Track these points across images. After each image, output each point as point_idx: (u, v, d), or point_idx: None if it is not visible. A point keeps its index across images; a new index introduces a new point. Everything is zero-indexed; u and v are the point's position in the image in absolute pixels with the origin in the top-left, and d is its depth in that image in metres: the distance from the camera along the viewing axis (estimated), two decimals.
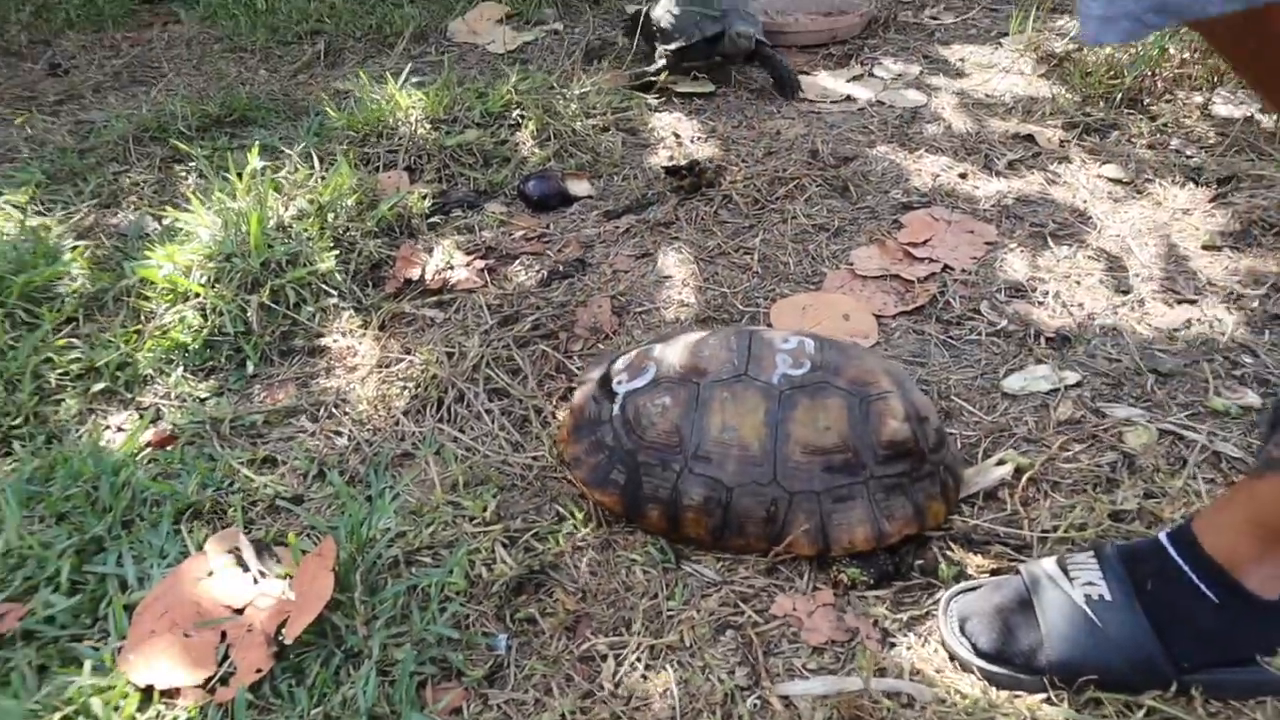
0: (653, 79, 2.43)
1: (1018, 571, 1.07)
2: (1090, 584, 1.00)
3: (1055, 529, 1.18)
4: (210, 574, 1.11)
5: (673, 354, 1.20)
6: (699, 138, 2.30)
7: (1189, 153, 2.18)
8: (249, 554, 1.14)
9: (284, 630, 1.02)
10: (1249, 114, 2.35)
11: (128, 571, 1.12)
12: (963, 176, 2.12)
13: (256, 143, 2.09)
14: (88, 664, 1.00)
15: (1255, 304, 1.66)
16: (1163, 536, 1.01)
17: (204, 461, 1.32)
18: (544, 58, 2.84)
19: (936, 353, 1.56)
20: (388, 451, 1.36)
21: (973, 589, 1.08)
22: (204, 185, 2.05)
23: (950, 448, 1.22)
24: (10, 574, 1.12)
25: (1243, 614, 0.94)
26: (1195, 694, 0.96)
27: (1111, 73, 2.46)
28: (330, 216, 1.81)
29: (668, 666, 1.05)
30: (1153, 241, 1.85)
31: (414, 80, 2.46)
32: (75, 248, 1.82)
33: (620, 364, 1.23)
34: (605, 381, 1.23)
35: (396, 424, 1.41)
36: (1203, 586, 0.95)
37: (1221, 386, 1.47)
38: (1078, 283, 1.74)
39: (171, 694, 0.97)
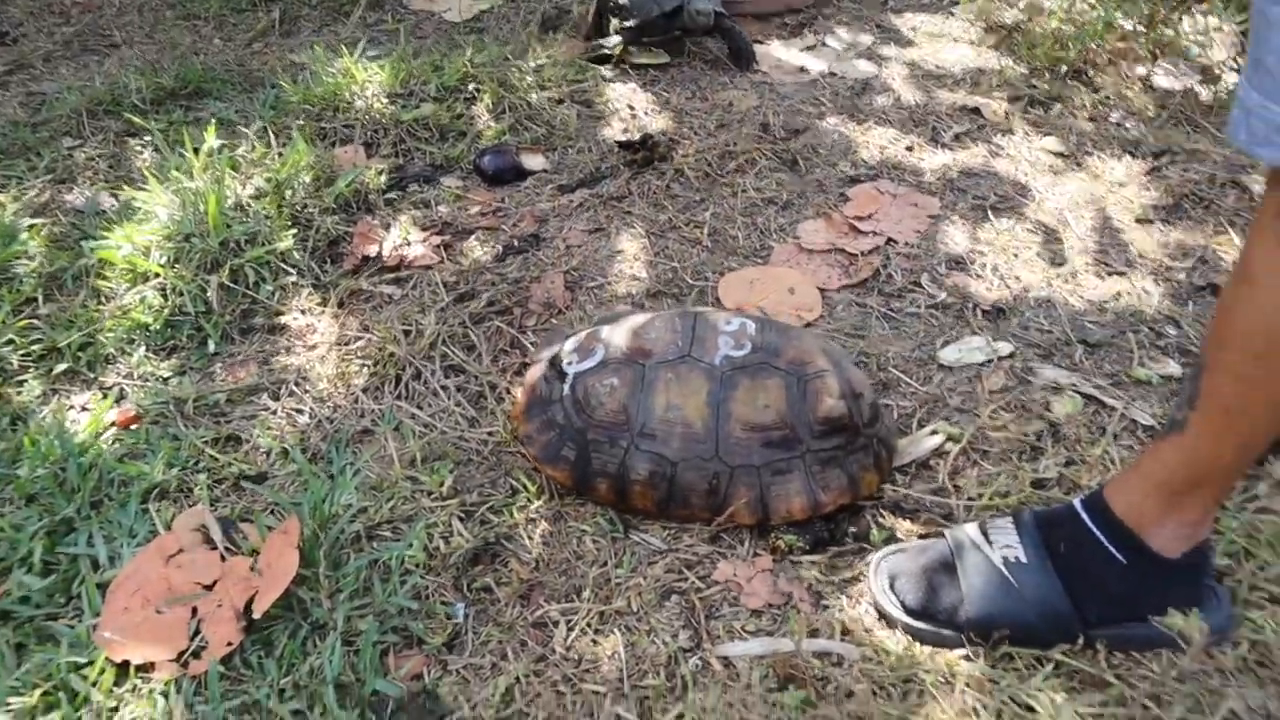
0: (608, 53, 2.46)
1: (943, 535, 1.15)
2: (1008, 547, 1.08)
3: (980, 496, 1.25)
4: (180, 551, 1.16)
5: (620, 336, 1.25)
6: (653, 110, 2.34)
7: (1128, 125, 2.26)
8: (216, 532, 1.19)
9: (253, 605, 1.07)
10: (1189, 86, 2.43)
11: (99, 551, 1.17)
12: (909, 149, 2.18)
13: (213, 120, 2.09)
14: (64, 642, 1.05)
15: (1182, 276, 1.75)
16: (1077, 503, 1.09)
17: (169, 441, 1.36)
18: (500, 27, 2.85)
19: (877, 325, 1.63)
20: (348, 428, 1.40)
21: (902, 550, 1.16)
22: (160, 161, 2.06)
23: (885, 421, 1.30)
24: None
25: (1148, 573, 1.03)
26: (1100, 648, 1.04)
27: (1058, 45, 2.52)
28: (288, 194, 1.83)
29: (616, 631, 1.12)
30: (1089, 214, 1.93)
31: (370, 53, 2.47)
32: (32, 226, 1.84)
33: (570, 345, 1.29)
34: (556, 362, 1.28)
35: (356, 401, 1.46)
36: (1112, 549, 1.03)
37: (1145, 356, 1.55)
38: (1015, 255, 1.81)
39: (146, 668, 1.03)
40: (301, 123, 2.14)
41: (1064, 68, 2.49)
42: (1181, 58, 2.51)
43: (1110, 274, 1.76)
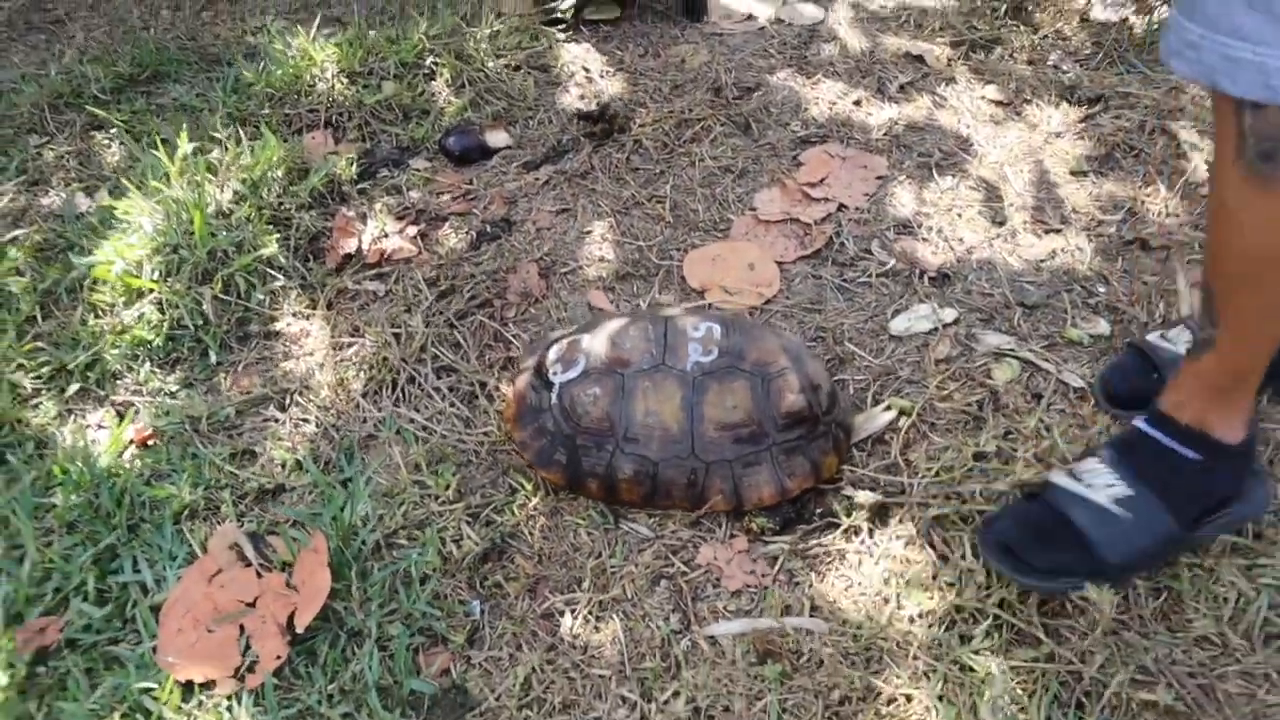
0: (560, 15, 2.49)
1: (1034, 495, 1.28)
2: (1110, 486, 1.21)
3: (930, 471, 1.41)
4: (219, 572, 1.29)
5: (599, 345, 1.38)
6: (607, 71, 2.40)
7: (1065, 68, 2.36)
8: (248, 549, 1.32)
9: (294, 620, 1.22)
10: (1124, 17, 2.52)
11: (145, 576, 1.30)
12: (857, 104, 2.27)
13: (175, 106, 2.13)
14: (131, 666, 1.19)
15: (1112, 230, 1.88)
16: (1140, 423, 1.24)
17: (190, 461, 1.47)
18: None
19: (832, 297, 1.76)
20: (353, 435, 1.53)
21: (997, 521, 1.26)
22: (130, 159, 2.10)
23: (841, 405, 1.44)
24: (40, 587, 1.29)
25: (1221, 462, 1.19)
26: (1032, 608, 1.22)
27: None
28: (264, 193, 1.90)
29: (614, 617, 1.28)
30: (1026, 168, 2.05)
31: (325, 30, 2.48)
32: (14, 239, 1.89)
33: (553, 354, 1.41)
34: (542, 371, 1.41)
35: (357, 407, 1.57)
36: (1187, 452, 1.20)
37: (1078, 316, 1.70)
38: (959, 215, 1.94)
39: (208, 685, 1.17)
40: (267, 112, 2.18)
41: (1004, 5, 2.56)
42: None
43: (1046, 231, 1.89)
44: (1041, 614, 1.22)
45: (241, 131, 2.08)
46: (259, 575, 1.29)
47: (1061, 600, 1.22)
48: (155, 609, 1.26)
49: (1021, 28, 2.51)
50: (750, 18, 2.63)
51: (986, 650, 1.18)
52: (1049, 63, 2.38)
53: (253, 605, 1.25)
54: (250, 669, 1.19)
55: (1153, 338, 1.53)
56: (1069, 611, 1.22)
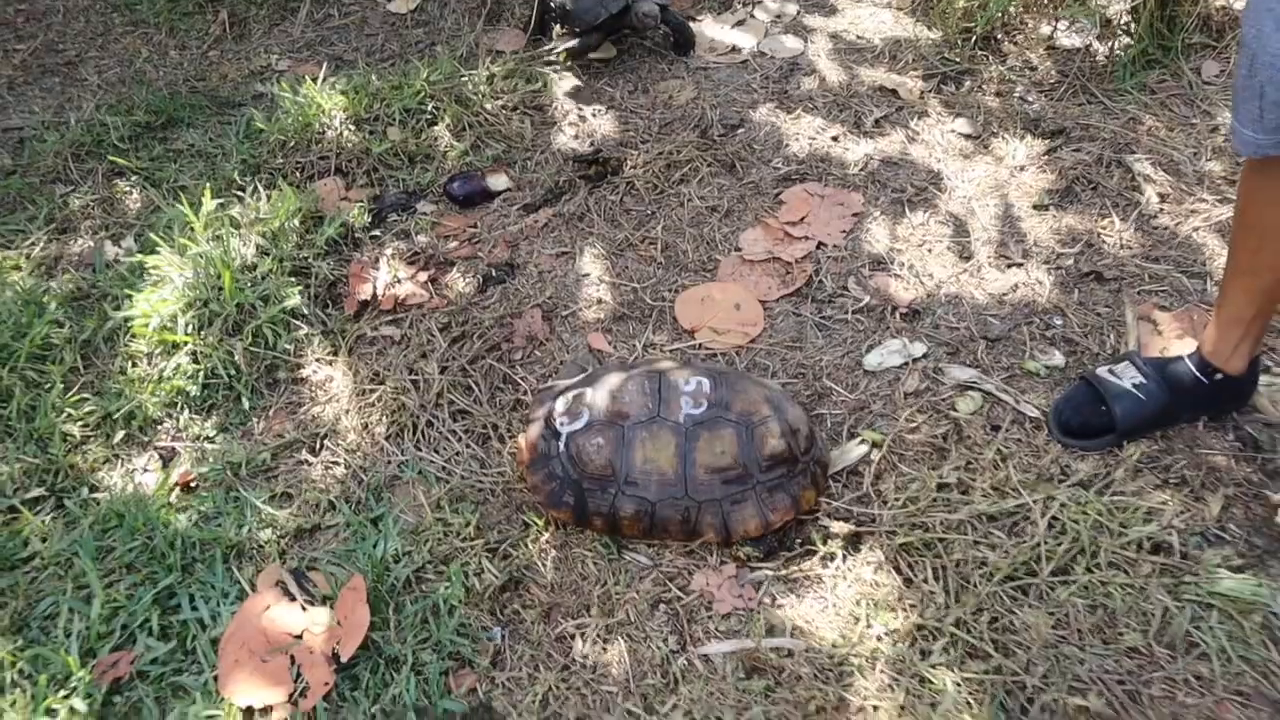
0: (553, 60, 2.63)
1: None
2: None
3: (898, 501, 1.58)
4: (268, 608, 1.46)
5: (601, 399, 1.54)
6: (599, 110, 2.55)
7: (1030, 99, 2.51)
8: (293, 585, 1.49)
9: (339, 649, 1.38)
10: (1088, 44, 2.67)
11: (202, 613, 1.47)
12: (835, 139, 2.43)
13: (191, 150, 2.28)
14: (196, 693, 1.36)
15: (1070, 262, 2.04)
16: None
17: (233, 505, 1.64)
18: (445, 18, 2.99)
19: (811, 335, 1.92)
20: (379, 476, 1.69)
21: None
22: (153, 208, 2.25)
23: (819, 444, 1.61)
24: (108, 624, 1.46)
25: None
26: (984, 626, 1.40)
27: (967, 14, 2.73)
28: (283, 244, 2.06)
29: (619, 639, 1.45)
30: (992, 202, 2.21)
31: (328, 66, 2.61)
32: (51, 292, 2.04)
33: (560, 406, 1.57)
34: (550, 421, 1.57)
35: (381, 450, 1.74)
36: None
37: (1035, 349, 1.86)
38: (929, 250, 2.10)
39: (265, 710, 1.34)
40: (280, 161, 2.33)
41: (974, 35, 2.71)
42: (1082, 15, 2.73)
43: (1009, 265, 2.06)
44: (992, 630, 1.39)
45: (258, 181, 2.23)
46: (304, 609, 1.46)
47: (1009, 619, 1.40)
48: (214, 642, 1.43)
49: (990, 58, 2.66)
50: (734, 50, 2.78)
51: (943, 665, 1.36)
52: (1016, 94, 2.53)
53: (299, 638, 1.42)
54: (303, 694, 1.35)
55: (1101, 371, 1.70)
56: (1015, 628, 1.39)
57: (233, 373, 1.85)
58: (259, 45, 2.98)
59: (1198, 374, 1.62)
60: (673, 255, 2.11)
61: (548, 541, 1.57)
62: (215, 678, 1.38)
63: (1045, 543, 1.49)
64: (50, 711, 1.35)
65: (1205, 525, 1.54)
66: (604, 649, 1.44)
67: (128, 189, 2.39)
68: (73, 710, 1.35)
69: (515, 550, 1.56)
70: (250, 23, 3.07)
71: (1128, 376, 1.66)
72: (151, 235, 2.04)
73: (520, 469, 1.62)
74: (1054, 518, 1.53)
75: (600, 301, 2.01)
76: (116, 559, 1.56)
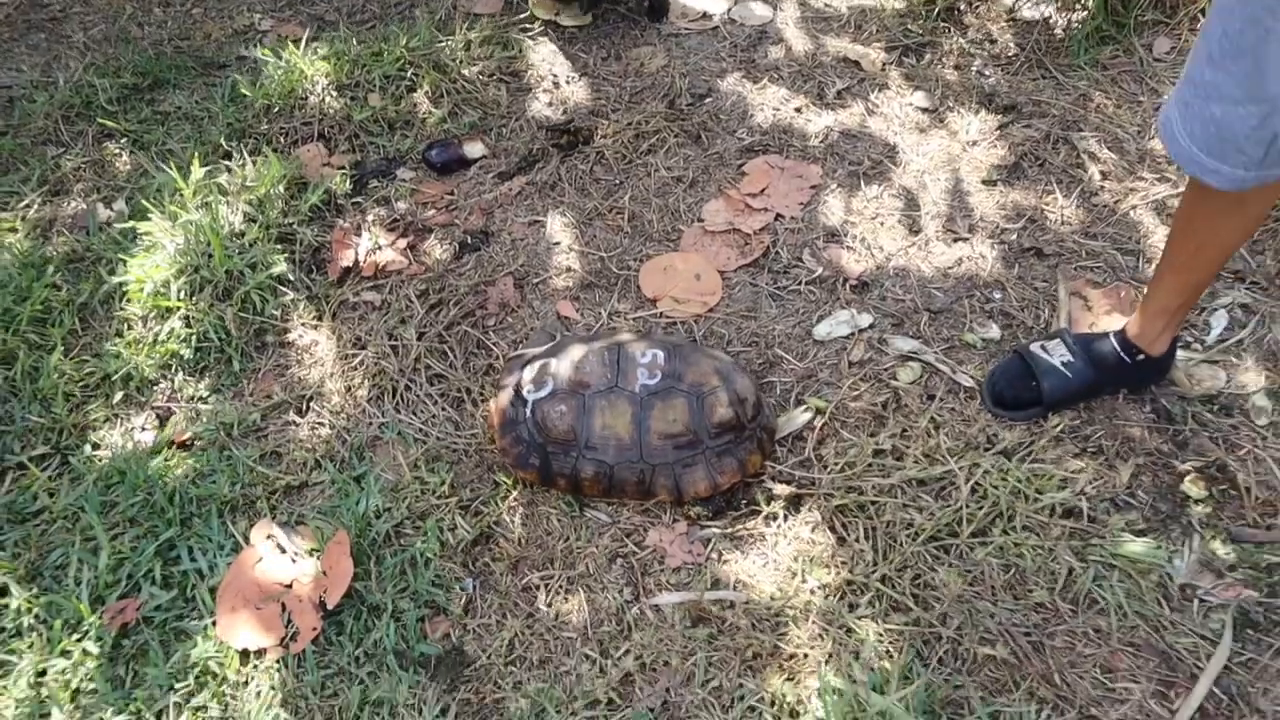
0: (529, 26, 2.70)
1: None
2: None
3: (837, 465, 1.73)
4: (260, 559, 1.60)
5: (564, 369, 1.68)
6: (573, 77, 2.63)
7: (987, 73, 2.61)
8: (283, 539, 1.64)
9: (325, 598, 1.54)
10: (1047, 15, 2.75)
11: (200, 564, 1.61)
12: (798, 110, 2.53)
13: (178, 114, 2.36)
14: (198, 638, 1.51)
15: (1014, 238, 2.17)
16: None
17: (226, 463, 1.77)
18: None
19: (766, 305, 2.06)
20: (361, 437, 1.83)
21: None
22: (142, 172, 2.34)
23: (765, 412, 1.75)
24: (115, 574, 1.60)
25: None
26: (906, 581, 1.56)
27: None
28: (269, 211, 2.16)
29: (579, 590, 1.60)
30: (944, 176, 2.32)
31: (309, 27, 2.67)
32: (48, 255, 2.15)
33: (528, 375, 1.71)
34: (518, 389, 1.71)
35: (363, 412, 1.87)
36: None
37: (975, 322, 2.00)
38: (881, 224, 2.22)
39: (260, 652, 1.50)
40: (265, 126, 2.42)
41: (937, 6, 2.79)
42: None
43: (956, 240, 2.18)
44: (914, 586, 1.56)
45: (243, 146, 2.33)
46: (293, 561, 1.60)
47: (930, 576, 1.56)
48: (212, 591, 1.58)
49: (953, 29, 2.75)
50: (704, 16, 2.85)
51: (868, 617, 1.52)
52: (974, 68, 2.63)
53: (289, 587, 1.57)
54: (293, 638, 1.51)
55: (1034, 346, 1.84)
56: (935, 585, 1.56)
57: (223, 336, 1.97)
58: (241, 2, 3.03)
59: (1122, 354, 1.76)
60: (639, 225, 2.22)
61: (516, 499, 1.72)
62: (214, 623, 1.53)
63: (967, 506, 1.65)
64: (65, 653, 1.50)
65: (1115, 492, 1.70)
66: (565, 599, 1.59)
67: (117, 151, 2.47)
68: (85, 652, 1.50)
69: (486, 508, 1.71)
70: None
71: (1057, 354, 1.80)
72: (142, 200, 2.14)
73: (491, 432, 1.76)
74: (977, 484, 1.68)
75: (569, 270, 2.13)
76: (120, 513, 1.69)
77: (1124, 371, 1.78)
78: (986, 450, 1.75)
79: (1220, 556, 1.61)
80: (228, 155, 2.32)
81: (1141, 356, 1.75)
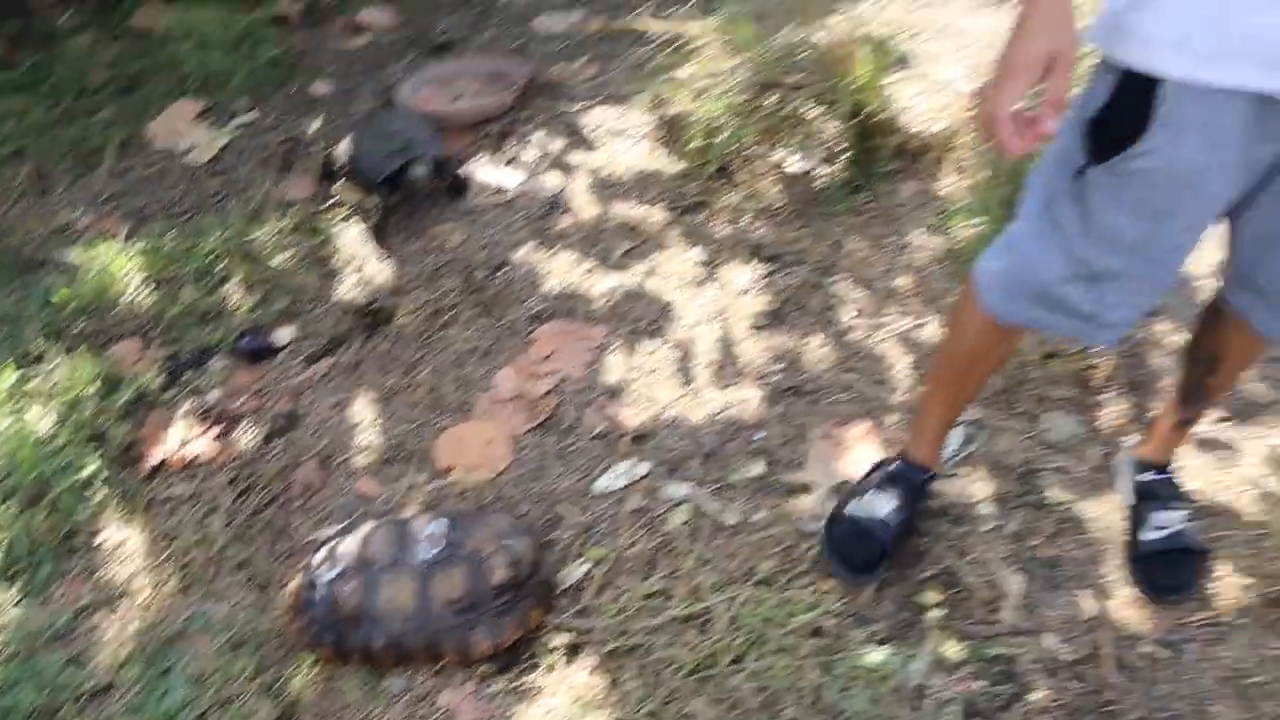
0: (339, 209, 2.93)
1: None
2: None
3: (611, 611, 1.93)
4: None
5: (353, 548, 1.85)
6: (378, 258, 2.85)
7: (755, 226, 2.93)
8: None
9: None
10: (810, 169, 3.11)
11: None
12: (588, 273, 2.79)
13: (9, 355, 2.48)
14: None
15: (777, 379, 2.45)
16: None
17: (30, 673, 1.85)
18: (241, 167, 3.24)
19: (552, 464, 2.26)
20: (169, 629, 1.94)
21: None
22: None
23: (544, 569, 1.94)
24: None
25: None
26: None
27: (704, 149, 3.13)
28: (81, 412, 2.28)
29: None
30: (716, 327, 2.60)
31: (129, 221, 2.83)
32: None
33: (319, 557, 1.87)
34: (311, 570, 1.86)
35: (171, 605, 1.98)
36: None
37: (738, 462, 2.25)
38: (658, 376, 2.47)
39: None
40: (81, 325, 2.55)
41: (710, 166, 3.12)
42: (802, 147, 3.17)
43: (725, 386, 2.45)
44: (677, 718, 1.75)
45: (60, 346, 2.45)
46: None
47: (690, 707, 1.75)
48: None
49: (725, 187, 3.07)
50: (499, 190, 3.11)
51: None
52: (743, 222, 2.95)
53: None
54: None
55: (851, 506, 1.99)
56: (695, 715, 1.75)
57: (31, 545, 2.06)
58: (63, 200, 3.17)
59: (921, 477, 1.96)
60: (436, 398, 2.42)
61: (317, 675, 1.85)
62: None
63: (724, 638, 1.86)
64: None
65: (859, 607, 1.93)
66: None
67: None
68: None
69: (288, 687, 1.83)
70: (54, 177, 3.25)
71: (877, 504, 1.97)
72: None
73: (288, 615, 1.90)
74: (733, 616, 1.90)
75: (370, 447, 2.30)
76: None
77: (921, 491, 1.97)
78: (745, 582, 1.97)
79: (950, 656, 1.85)
80: (39, 359, 2.43)
81: (931, 474, 1.96)
